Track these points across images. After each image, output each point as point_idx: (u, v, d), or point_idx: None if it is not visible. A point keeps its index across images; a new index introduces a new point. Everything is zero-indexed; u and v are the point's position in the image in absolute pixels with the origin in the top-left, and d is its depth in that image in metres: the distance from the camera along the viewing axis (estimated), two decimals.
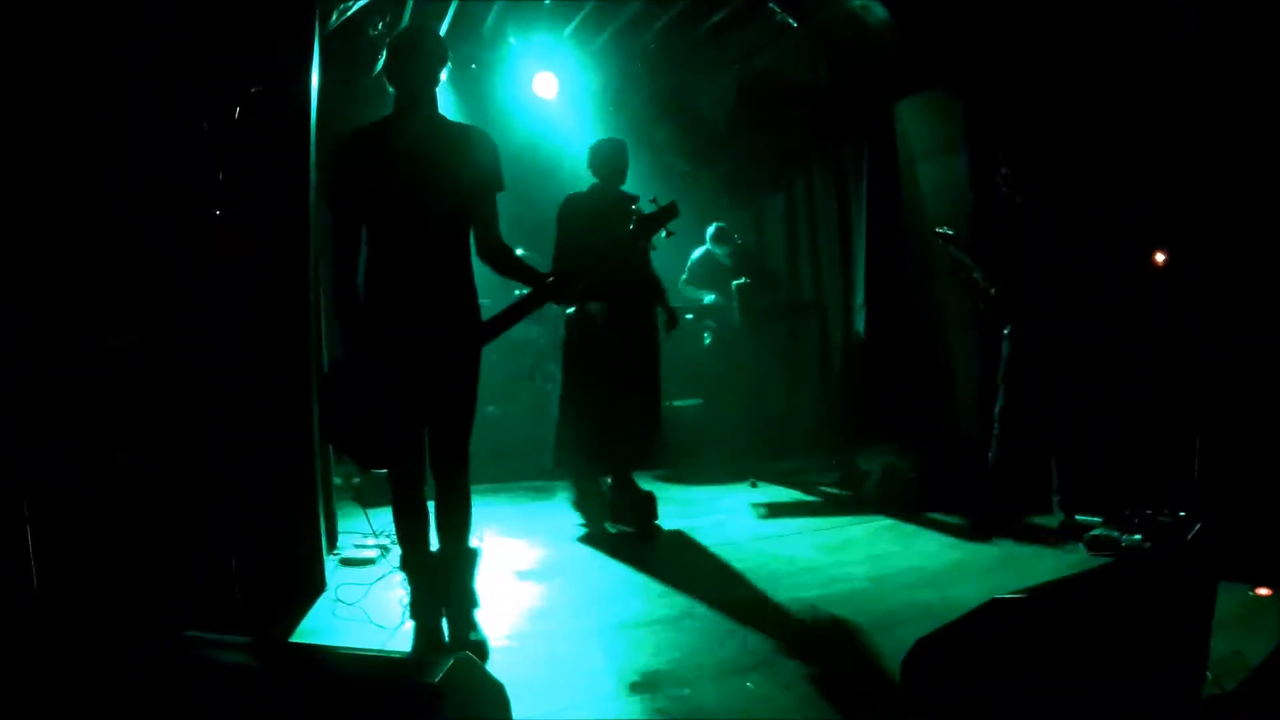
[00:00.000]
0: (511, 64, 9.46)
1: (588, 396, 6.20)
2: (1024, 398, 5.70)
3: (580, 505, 6.58)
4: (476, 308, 3.82)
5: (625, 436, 6.14)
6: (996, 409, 5.81)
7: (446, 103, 3.88)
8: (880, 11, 6.63)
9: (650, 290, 6.28)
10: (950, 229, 5.95)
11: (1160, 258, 5.32)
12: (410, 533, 3.81)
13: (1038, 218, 5.60)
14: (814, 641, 3.93)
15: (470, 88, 9.38)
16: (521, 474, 8.00)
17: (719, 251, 8.67)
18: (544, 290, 3.74)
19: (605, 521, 6.25)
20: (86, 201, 3.82)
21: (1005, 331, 5.77)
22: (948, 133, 6.90)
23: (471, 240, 3.85)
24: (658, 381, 6.41)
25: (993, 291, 5.80)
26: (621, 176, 6.01)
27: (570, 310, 6.23)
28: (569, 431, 6.39)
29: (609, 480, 6.29)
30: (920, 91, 7.13)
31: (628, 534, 5.98)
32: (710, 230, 8.66)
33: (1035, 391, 5.67)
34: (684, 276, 8.69)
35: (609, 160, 6.00)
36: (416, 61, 3.68)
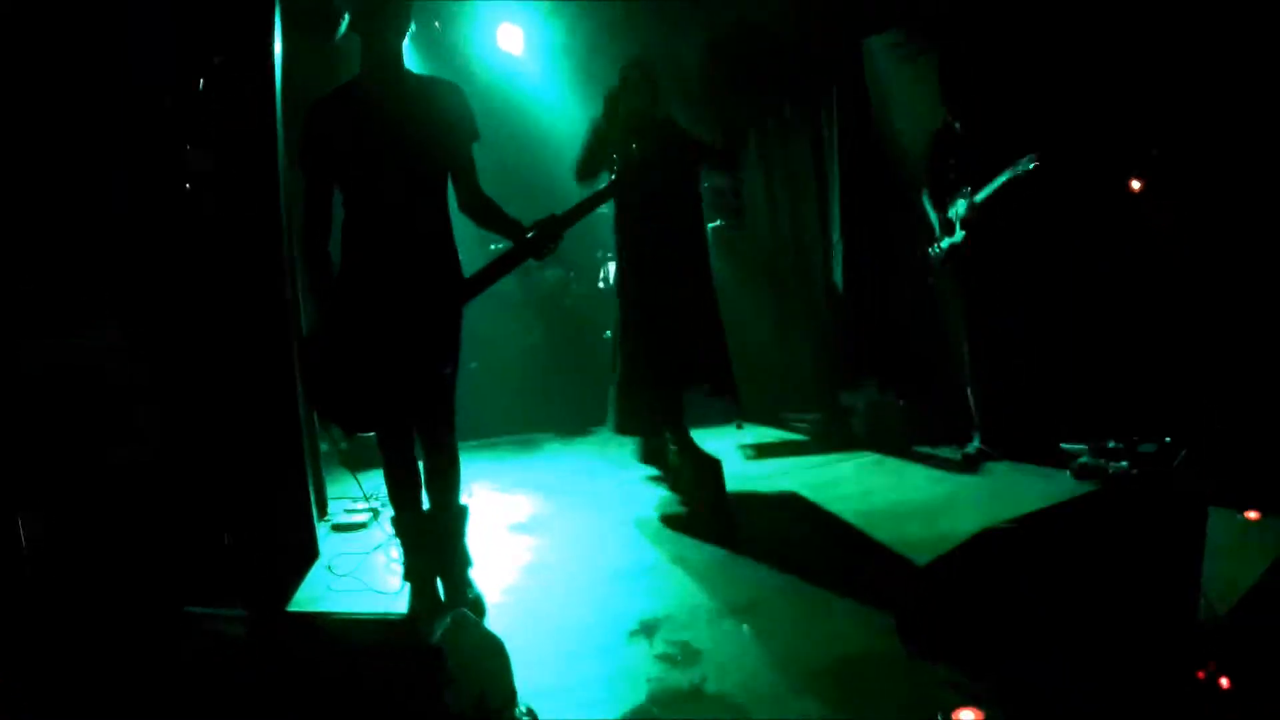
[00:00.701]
0: (477, 20, 9.35)
1: (642, 341, 5.55)
2: (991, 339, 5.72)
3: (652, 462, 6.12)
4: (457, 265, 3.80)
5: (684, 379, 5.59)
6: (965, 350, 5.83)
7: (411, 59, 3.81)
8: None
9: (693, 222, 5.73)
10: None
11: (1135, 184, 5.32)
12: (401, 494, 3.81)
13: (988, 155, 5.58)
14: (807, 580, 3.96)
15: (435, 44, 9.29)
16: (506, 428, 8.04)
17: None
18: (523, 245, 3.72)
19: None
20: (51, 186, 3.78)
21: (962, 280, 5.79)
22: (919, 70, 6.86)
23: (450, 197, 3.82)
24: (717, 316, 5.71)
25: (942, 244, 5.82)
26: (649, 97, 5.49)
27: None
28: (630, 387, 5.66)
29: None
30: (888, 28, 7.09)
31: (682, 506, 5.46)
32: None
33: (1002, 331, 5.68)
34: None
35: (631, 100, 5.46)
36: (384, 12, 3.63)
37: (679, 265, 5.52)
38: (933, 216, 5.91)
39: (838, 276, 7.65)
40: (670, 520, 5.11)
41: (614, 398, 5.74)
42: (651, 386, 5.51)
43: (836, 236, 7.62)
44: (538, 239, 3.73)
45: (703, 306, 5.60)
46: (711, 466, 5.44)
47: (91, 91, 3.86)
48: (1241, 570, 3.28)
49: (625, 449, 6.46)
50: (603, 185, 4.90)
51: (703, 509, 5.25)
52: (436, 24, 9.25)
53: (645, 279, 5.49)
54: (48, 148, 3.75)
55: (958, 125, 5.73)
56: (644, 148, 5.32)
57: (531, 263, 3.90)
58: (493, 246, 6.90)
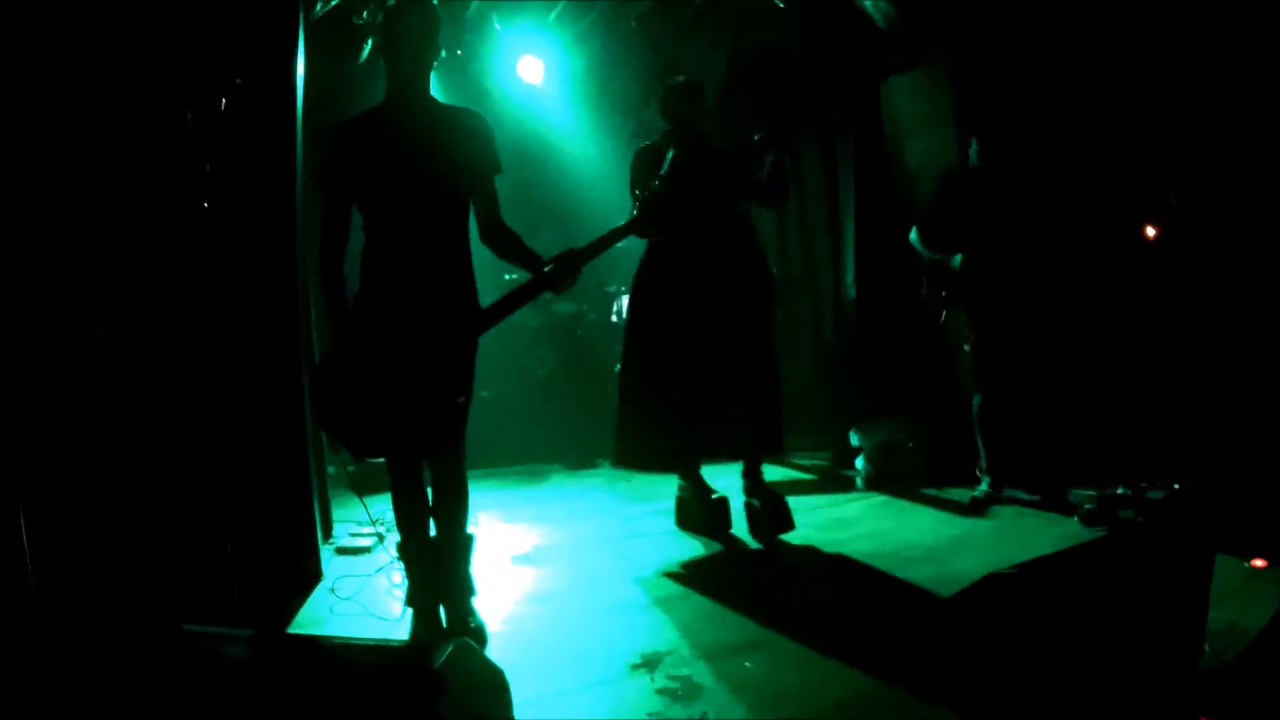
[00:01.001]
0: (497, 49, 9.43)
1: (659, 370, 5.14)
2: (1000, 383, 5.70)
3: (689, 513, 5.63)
4: (474, 295, 3.81)
5: (713, 445, 5.37)
6: (975, 401, 5.81)
7: (435, 87, 3.84)
8: None
9: (748, 249, 5.32)
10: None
11: (1150, 231, 5.31)
12: (408, 520, 3.80)
13: (1007, 189, 5.59)
14: (812, 620, 3.93)
15: (456, 73, 9.37)
16: (514, 459, 8.02)
17: None
18: (541, 279, 3.73)
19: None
20: (72, 193, 3.80)
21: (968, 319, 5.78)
22: (936, 108, 6.88)
23: (471, 226, 3.84)
24: (771, 359, 5.29)
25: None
26: (694, 122, 5.26)
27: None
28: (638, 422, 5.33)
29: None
30: (908, 69, 7.12)
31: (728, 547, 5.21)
32: None
33: (1011, 374, 5.67)
34: None
35: (677, 103, 5.27)
36: (413, 37, 3.63)
37: (731, 308, 5.10)
38: (923, 252, 5.88)
39: (850, 312, 7.63)
40: (679, 549, 5.11)
41: (619, 429, 5.51)
42: (667, 426, 5.22)
43: (850, 276, 7.62)
44: (556, 272, 3.73)
45: (758, 358, 5.17)
46: (773, 501, 5.16)
47: (101, 101, 3.90)
48: (1247, 618, 3.26)
49: (632, 483, 6.42)
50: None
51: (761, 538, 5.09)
52: (459, 51, 9.35)
53: (686, 319, 5.06)
54: (58, 151, 3.78)
55: (973, 152, 5.71)
56: (687, 173, 4.99)
57: (547, 295, 3.88)
58: (507, 277, 6.91)
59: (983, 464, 5.81)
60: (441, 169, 3.66)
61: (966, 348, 5.84)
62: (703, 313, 5.06)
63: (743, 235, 5.32)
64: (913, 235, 5.91)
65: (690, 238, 5.08)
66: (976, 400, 5.78)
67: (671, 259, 5.18)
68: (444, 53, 3.74)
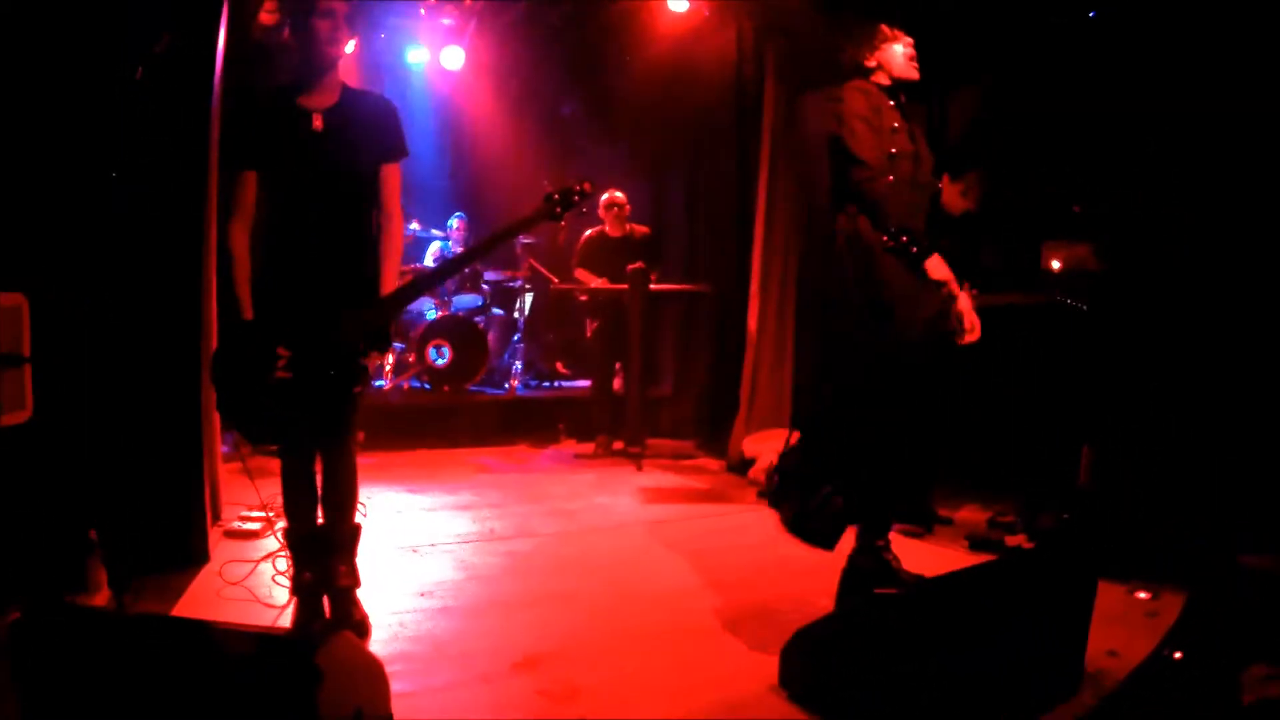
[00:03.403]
0: (421, 34, 9.41)
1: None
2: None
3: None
4: (375, 279, 3.80)
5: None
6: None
7: (352, 70, 3.83)
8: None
9: None
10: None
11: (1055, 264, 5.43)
12: (295, 506, 3.78)
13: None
14: (696, 626, 3.99)
15: (377, 55, 9.32)
16: (406, 448, 8.02)
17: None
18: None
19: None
20: None
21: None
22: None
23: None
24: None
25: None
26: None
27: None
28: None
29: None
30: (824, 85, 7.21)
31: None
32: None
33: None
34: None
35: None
36: (342, 31, 3.64)
37: None
38: None
39: (750, 326, 7.71)
40: (567, 551, 5.13)
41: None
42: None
43: (752, 288, 7.70)
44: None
45: None
46: None
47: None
48: (1129, 647, 3.39)
49: (530, 474, 6.40)
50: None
51: None
52: (382, 35, 9.30)
53: None
54: None
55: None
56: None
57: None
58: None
59: None
60: (340, 151, 3.65)
61: None
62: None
63: None
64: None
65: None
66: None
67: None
68: (355, 40, 3.71)
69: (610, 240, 8.26)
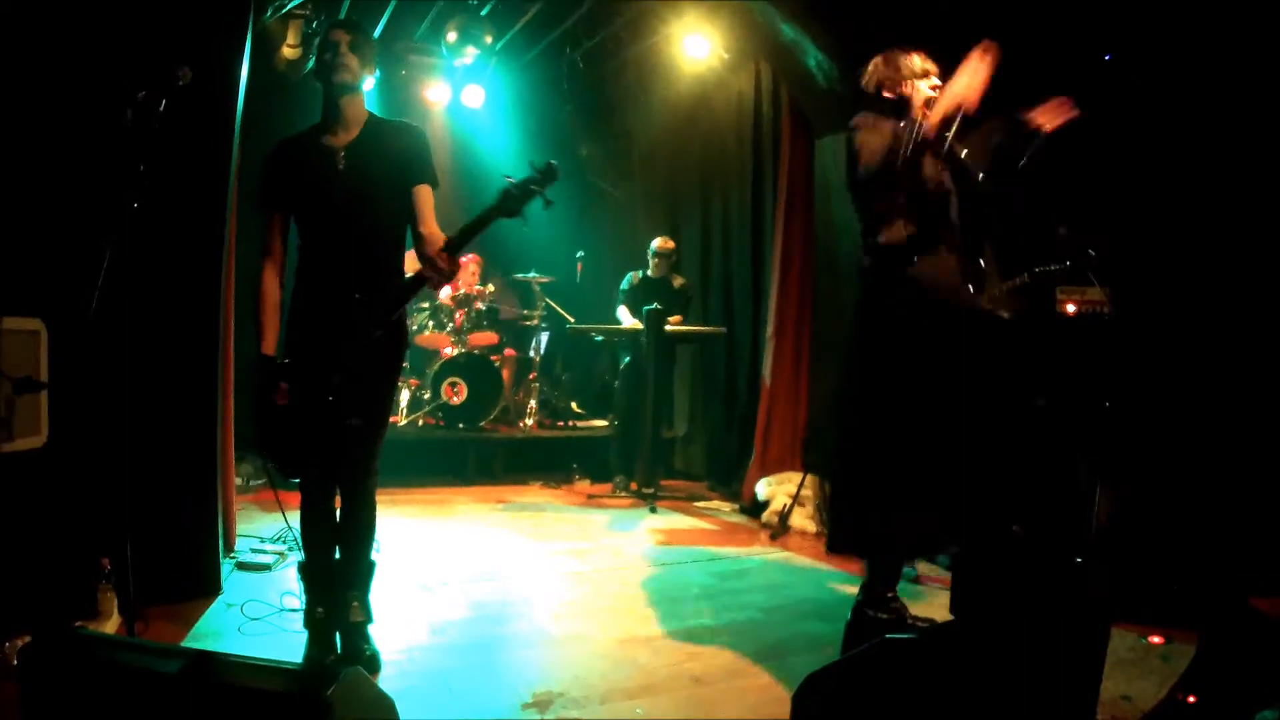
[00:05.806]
0: (442, 72, 9.51)
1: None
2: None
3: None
4: (403, 315, 3.81)
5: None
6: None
7: (374, 105, 3.86)
8: (813, 50, 6.71)
9: None
10: None
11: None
12: (312, 540, 3.77)
13: None
14: (706, 668, 3.97)
15: (398, 93, 9.42)
16: (420, 485, 8.01)
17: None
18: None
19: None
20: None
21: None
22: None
23: (409, 242, 3.81)
24: None
25: None
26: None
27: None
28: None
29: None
30: (841, 130, 7.23)
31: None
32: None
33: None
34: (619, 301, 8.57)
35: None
36: (346, 58, 3.66)
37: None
38: None
39: (765, 370, 7.72)
40: (579, 592, 5.10)
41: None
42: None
43: (768, 332, 7.71)
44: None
45: None
46: None
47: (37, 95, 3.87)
48: (1143, 691, 3.34)
49: (543, 513, 6.37)
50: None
51: None
52: (404, 71, 9.41)
53: None
54: None
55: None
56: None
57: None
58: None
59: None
60: (376, 183, 3.67)
61: None
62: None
63: None
64: None
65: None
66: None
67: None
68: (379, 74, 3.73)
69: (650, 282, 8.42)
